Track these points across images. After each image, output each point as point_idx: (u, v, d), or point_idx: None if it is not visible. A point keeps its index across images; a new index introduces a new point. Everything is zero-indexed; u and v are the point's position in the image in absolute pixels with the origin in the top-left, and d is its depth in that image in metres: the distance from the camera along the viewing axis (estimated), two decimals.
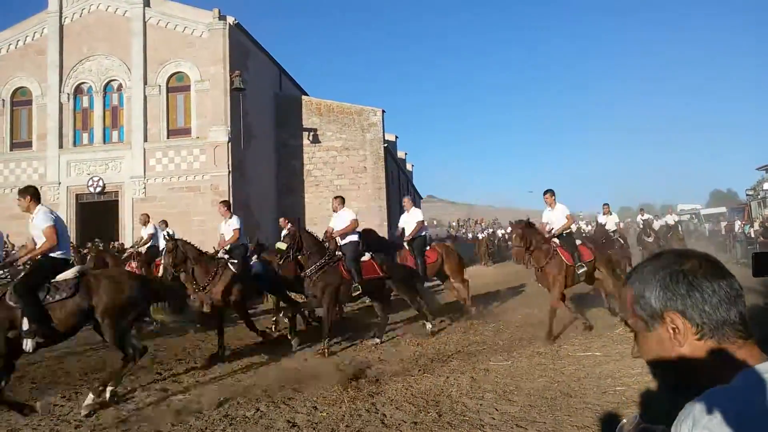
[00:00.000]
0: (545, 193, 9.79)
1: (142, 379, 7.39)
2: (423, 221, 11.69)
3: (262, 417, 5.39)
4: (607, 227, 14.23)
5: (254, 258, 10.75)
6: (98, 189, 22.88)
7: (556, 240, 9.12)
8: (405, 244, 11.29)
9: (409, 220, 11.60)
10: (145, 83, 23.23)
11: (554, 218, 9.44)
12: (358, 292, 9.06)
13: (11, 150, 24.01)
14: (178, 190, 22.73)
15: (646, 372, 4.69)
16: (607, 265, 9.65)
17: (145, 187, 22.80)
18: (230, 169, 22.51)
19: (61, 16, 23.71)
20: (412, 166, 47.96)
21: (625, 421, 1.32)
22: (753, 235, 23.16)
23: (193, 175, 22.76)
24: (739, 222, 27.59)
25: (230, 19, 23.34)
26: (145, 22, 23.39)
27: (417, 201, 46.08)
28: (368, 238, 10.78)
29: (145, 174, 22.88)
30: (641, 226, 20.79)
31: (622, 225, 23.56)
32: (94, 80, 23.70)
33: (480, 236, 29.33)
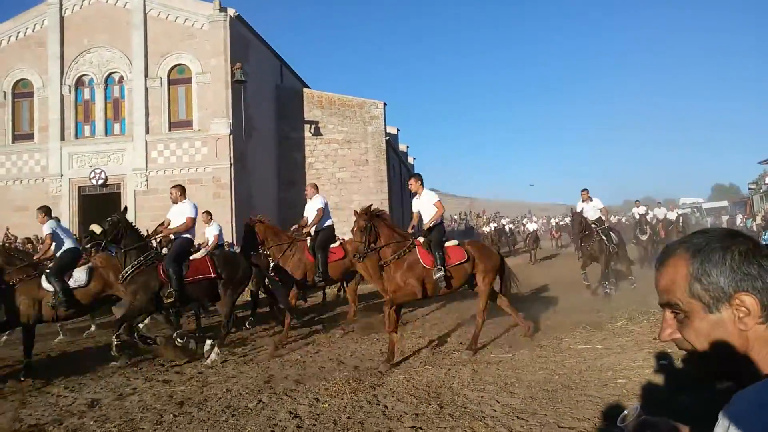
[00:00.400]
0: (410, 177, 8.64)
1: (145, 370, 7.43)
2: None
3: (264, 408, 5.42)
4: (586, 215, 12.69)
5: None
6: (100, 181, 22.90)
7: (421, 238, 7.75)
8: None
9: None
10: (146, 75, 23.20)
11: (422, 207, 8.11)
12: (170, 300, 7.89)
13: (13, 142, 24.00)
14: (179, 182, 22.69)
15: (647, 365, 4.73)
16: (489, 274, 7.89)
17: (147, 180, 22.81)
18: (232, 162, 22.51)
19: (61, 8, 23.65)
20: (414, 159, 47.89)
21: (626, 412, 1.29)
22: (755, 229, 23.15)
23: (195, 167, 22.77)
24: (740, 216, 27.60)
25: (231, 11, 23.27)
26: (145, 14, 23.33)
27: None
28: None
29: (147, 166, 22.89)
30: (636, 220, 20.06)
31: (613, 218, 23.07)
32: (95, 72, 23.67)
33: (486, 230, 29.20)
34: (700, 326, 1.07)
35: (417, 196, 8.28)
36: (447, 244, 7.87)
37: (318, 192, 10.51)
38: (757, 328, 1.02)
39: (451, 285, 7.63)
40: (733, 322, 1.04)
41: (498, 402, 5.21)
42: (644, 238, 18.22)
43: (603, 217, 12.64)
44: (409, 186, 8.55)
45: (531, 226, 27.30)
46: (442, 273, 7.33)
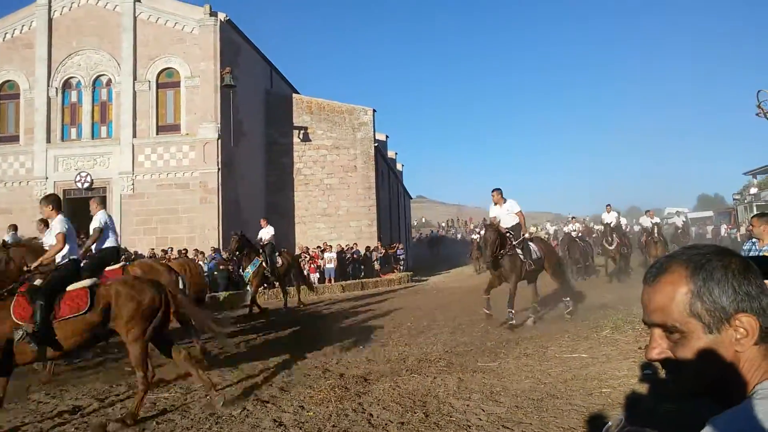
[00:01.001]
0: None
1: (128, 377, 7.34)
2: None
3: (248, 416, 5.37)
4: (502, 222, 10.60)
5: None
6: (86, 184, 22.70)
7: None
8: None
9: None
10: (135, 79, 23.08)
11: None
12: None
13: None
14: (166, 187, 22.59)
15: (632, 374, 4.75)
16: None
17: (133, 184, 22.65)
18: (219, 167, 22.41)
19: (50, 10, 23.49)
20: (402, 166, 47.98)
21: (610, 423, 1.29)
22: (739, 239, 23.40)
23: (182, 171, 22.64)
24: (725, 226, 27.88)
25: (221, 16, 23.23)
26: (135, 17, 23.22)
27: (406, 201, 46.12)
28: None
29: (133, 170, 22.72)
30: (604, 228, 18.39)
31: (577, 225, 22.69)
32: (83, 75, 23.50)
33: (475, 237, 28.46)
34: (697, 346, 1.03)
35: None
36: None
37: (102, 209, 9.34)
38: (751, 348, 1.01)
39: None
40: (730, 342, 1.02)
41: (483, 411, 5.21)
42: (611, 248, 17.19)
43: (521, 225, 10.44)
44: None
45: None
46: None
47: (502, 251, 9.93)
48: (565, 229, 24.95)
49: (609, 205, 18.21)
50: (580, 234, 20.87)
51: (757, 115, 20.41)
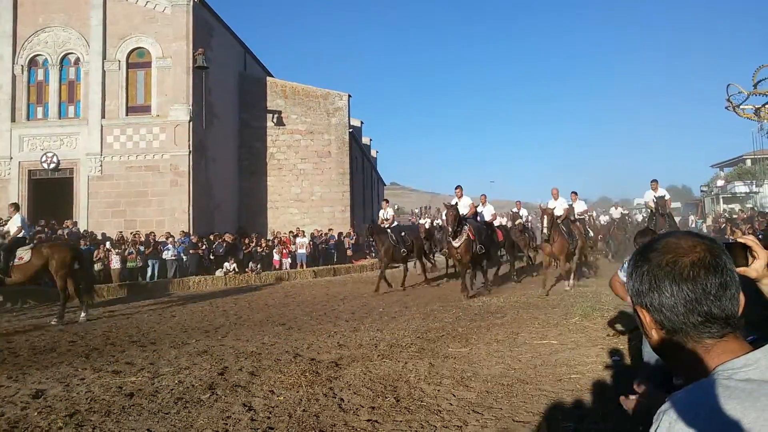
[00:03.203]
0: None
1: (93, 360, 7.20)
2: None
3: (217, 400, 5.31)
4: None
5: None
6: (52, 165, 22.11)
7: None
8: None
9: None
10: (104, 58, 22.49)
11: None
12: None
13: None
14: (136, 169, 22.15)
15: (600, 361, 4.81)
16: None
17: (101, 165, 22.14)
18: (191, 149, 22.02)
19: None
20: (377, 152, 47.87)
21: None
22: (705, 230, 23.93)
23: (152, 154, 22.20)
24: (692, 217, 28.47)
25: None
26: None
27: (380, 188, 46.07)
28: None
29: (101, 151, 22.19)
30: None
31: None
32: (50, 53, 22.81)
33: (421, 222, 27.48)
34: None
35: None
36: None
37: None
38: (665, 336, 1.08)
39: None
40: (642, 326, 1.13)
41: (454, 396, 5.23)
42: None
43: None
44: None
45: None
46: None
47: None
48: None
49: (555, 188, 18.59)
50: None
51: (726, 108, 20.81)
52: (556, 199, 13.57)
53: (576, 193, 15.27)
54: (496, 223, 15.71)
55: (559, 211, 13.13)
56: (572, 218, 13.99)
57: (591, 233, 15.88)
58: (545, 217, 12.28)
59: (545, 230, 12.13)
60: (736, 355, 0.99)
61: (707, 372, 1.00)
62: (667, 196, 13.48)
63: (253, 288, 16.82)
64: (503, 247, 15.81)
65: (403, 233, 15.50)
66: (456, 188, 13.55)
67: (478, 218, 14.09)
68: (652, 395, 1.46)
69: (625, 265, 4.06)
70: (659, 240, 1.11)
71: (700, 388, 0.96)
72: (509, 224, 18.98)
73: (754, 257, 1.22)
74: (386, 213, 15.56)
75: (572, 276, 13.12)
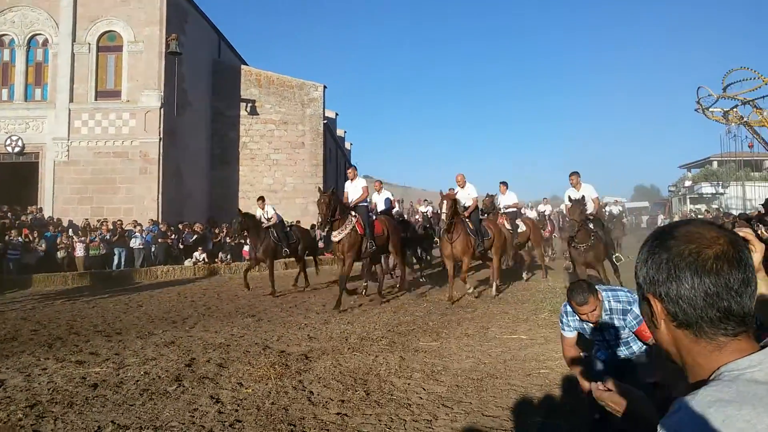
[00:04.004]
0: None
1: (56, 350, 7.03)
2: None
3: (184, 392, 5.22)
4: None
5: None
6: (17, 149, 21.48)
7: None
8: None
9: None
10: (74, 40, 21.90)
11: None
12: None
13: None
14: (104, 155, 21.66)
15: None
16: None
17: (68, 150, 21.58)
18: (161, 136, 21.62)
19: None
20: (351, 144, 47.70)
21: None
22: None
23: (122, 140, 21.74)
24: (661, 216, 29.04)
25: None
26: None
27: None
28: None
29: (69, 136, 21.62)
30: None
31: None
32: (17, 32, 22.13)
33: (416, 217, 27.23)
34: (642, 310, 1.14)
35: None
36: None
37: None
38: (675, 329, 1.05)
39: None
40: (649, 317, 1.11)
41: (424, 389, 5.23)
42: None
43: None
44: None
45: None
46: None
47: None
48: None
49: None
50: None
51: (696, 110, 21.20)
52: (462, 187, 11.40)
53: (506, 184, 13.84)
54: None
55: (466, 201, 11.14)
56: (484, 211, 12.66)
57: (523, 227, 13.67)
58: (445, 202, 10.32)
59: (444, 218, 10.25)
60: (743, 355, 0.97)
61: (711, 370, 0.97)
62: (594, 195, 10.28)
63: (223, 278, 16.63)
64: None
65: (288, 228, 13.79)
66: (349, 169, 11.90)
67: (375, 209, 12.08)
68: (625, 390, 1.46)
69: (565, 318, 3.93)
70: (678, 227, 1.06)
71: (712, 390, 0.93)
72: (418, 218, 17.56)
73: (750, 250, 1.19)
74: (266, 213, 13.35)
75: (497, 278, 11.45)
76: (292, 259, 14.79)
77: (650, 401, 1.47)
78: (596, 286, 3.76)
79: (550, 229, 18.62)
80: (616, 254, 10.13)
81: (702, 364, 1.00)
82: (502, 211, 13.57)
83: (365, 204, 11.06)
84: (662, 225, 1.16)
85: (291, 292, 12.74)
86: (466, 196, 11.22)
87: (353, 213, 10.58)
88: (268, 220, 13.16)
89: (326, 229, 10.82)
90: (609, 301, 3.74)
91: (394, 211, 14.34)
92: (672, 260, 1.02)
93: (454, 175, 11.68)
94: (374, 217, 11.32)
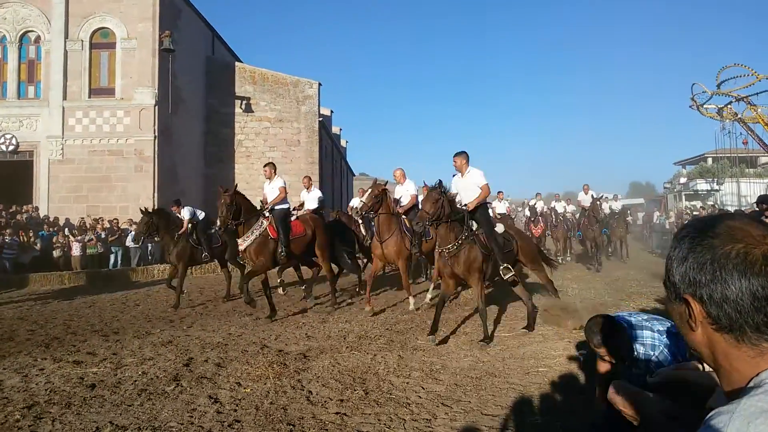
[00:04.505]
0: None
1: (54, 350, 7.00)
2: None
3: (182, 392, 5.20)
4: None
5: None
6: (11, 148, 21.36)
7: None
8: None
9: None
10: (66, 37, 21.79)
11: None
12: None
13: None
14: (99, 153, 21.57)
15: (566, 354, 4.83)
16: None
17: (63, 148, 21.50)
18: (156, 134, 21.55)
19: None
20: (347, 142, 47.62)
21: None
22: (668, 227, 24.46)
23: (116, 138, 21.65)
24: (657, 213, 29.11)
25: None
26: None
27: (349, 177, 45.87)
28: None
29: (63, 134, 21.54)
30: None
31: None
32: (8, 29, 22.00)
33: None
34: (671, 311, 1.08)
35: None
36: None
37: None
38: (713, 333, 0.99)
39: None
40: (684, 319, 1.03)
41: (423, 388, 5.23)
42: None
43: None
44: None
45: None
46: None
47: None
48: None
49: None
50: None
51: (690, 107, 21.25)
52: (401, 183, 10.43)
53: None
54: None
55: (403, 198, 10.17)
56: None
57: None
58: (368, 191, 9.36)
59: (359, 208, 9.42)
60: None
61: (750, 376, 0.92)
62: (483, 182, 7.67)
63: (219, 277, 16.56)
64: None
65: (212, 230, 11.85)
66: (266, 166, 9.97)
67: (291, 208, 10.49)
68: (636, 392, 1.42)
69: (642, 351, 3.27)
70: (719, 222, 0.99)
71: (755, 400, 0.87)
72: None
73: None
74: (194, 214, 11.99)
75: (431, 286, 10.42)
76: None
77: (664, 403, 1.44)
78: (618, 320, 3.37)
79: (542, 226, 17.96)
80: (504, 265, 7.28)
81: (740, 369, 0.94)
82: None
83: (285, 206, 9.77)
84: (699, 218, 1.07)
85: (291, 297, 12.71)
86: (404, 192, 10.27)
87: (266, 215, 9.33)
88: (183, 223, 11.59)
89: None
90: (635, 349, 3.27)
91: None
92: (718, 261, 0.95)
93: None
94: (293, 218, 9.95)
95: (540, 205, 19.55)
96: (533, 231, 17.28)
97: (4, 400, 5.06)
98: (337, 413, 4.62)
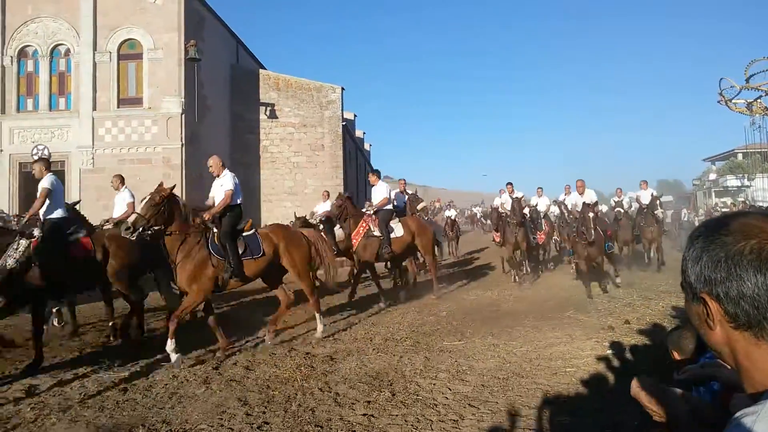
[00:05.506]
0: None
1: (87, 355, 7.15)
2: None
3: (212, 395, 5.29)
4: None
5: None
6: (44, 158, 21.87)
7: None
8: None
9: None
10: (95, 49, 22.26)
11: None
12: None
13: None
14: (128, 162, 21.96)
15: (594, 354, 4.79)
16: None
17: (93, 158, 21.96)
18: (183, 142, 21.88)
19: None
20: (370, 145, 47.76)
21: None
22: (697, 223, 24.00)
23: (145, 146, 22.04)
24: (685, 210, 28.61)
25: None
26: None
27: None
28: None
29: (93, 144, 22.01)
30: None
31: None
32: (39, 44, 22.56)
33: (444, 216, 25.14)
34: (689, 310, 1.06)
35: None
36: None
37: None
38: (732, 331, 0.97)
39: None
40: (701, 319, 1.02)
41: (450, 390, 5.23)
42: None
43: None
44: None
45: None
46: None
47: None
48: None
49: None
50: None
51: (718, 102, 20.84)
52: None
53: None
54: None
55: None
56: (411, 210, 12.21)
57: (401, 232, 10.72)
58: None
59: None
60: None
61: (763, 379, 0.91)
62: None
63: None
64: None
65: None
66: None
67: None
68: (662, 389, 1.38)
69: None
70: (733, 220, 0.99)
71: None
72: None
73: None
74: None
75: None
76: None
77: (694, 401, 1.39)
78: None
79: (547, 229, 15.37)
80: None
81: (763, 367, 0.93)
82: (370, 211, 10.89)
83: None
84: (713, 217, 1.06)
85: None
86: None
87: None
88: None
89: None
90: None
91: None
92: (732, 258, 0.94)
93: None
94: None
95: (543, 203, 16.50)
96: (538, 236, 14.20)
97: (41, 404, 5.20)
98: (364, 415, 4.65)
